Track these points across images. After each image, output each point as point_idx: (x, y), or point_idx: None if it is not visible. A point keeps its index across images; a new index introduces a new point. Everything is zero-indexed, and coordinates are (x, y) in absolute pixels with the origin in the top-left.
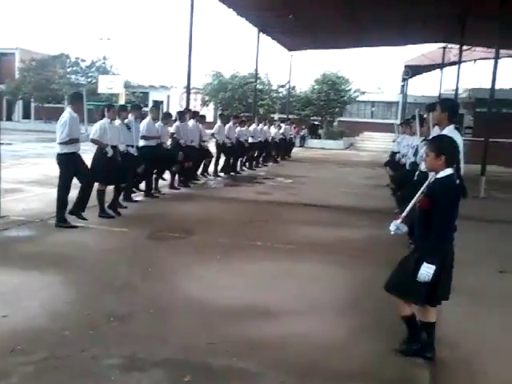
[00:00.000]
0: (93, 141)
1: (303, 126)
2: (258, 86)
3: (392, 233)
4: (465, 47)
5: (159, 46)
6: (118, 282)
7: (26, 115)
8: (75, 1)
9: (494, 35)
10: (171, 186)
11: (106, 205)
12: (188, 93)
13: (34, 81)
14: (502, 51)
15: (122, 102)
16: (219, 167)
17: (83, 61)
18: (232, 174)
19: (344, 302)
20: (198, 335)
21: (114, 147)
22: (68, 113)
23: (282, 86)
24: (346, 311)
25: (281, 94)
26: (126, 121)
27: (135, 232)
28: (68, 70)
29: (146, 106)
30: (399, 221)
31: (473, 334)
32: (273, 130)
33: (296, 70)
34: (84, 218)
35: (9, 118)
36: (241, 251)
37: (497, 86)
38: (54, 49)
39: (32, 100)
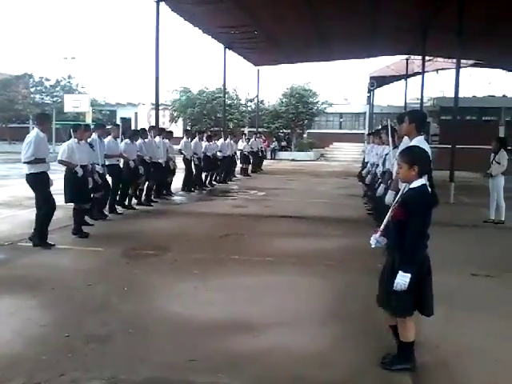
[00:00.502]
0: (61, 162)
1: (274, 139)
2: (226, 100)
3: (373, 246)
4: (427, 58)
5: (126, 63)
6: (94, 303)
7: None
8: (38, 20)
9: (454, 46)
10: (142, 201)
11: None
12: (156, 109)
13: None
14: (462, 61)
15: (89, 120)
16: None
17: (48, 80)
18: (203, 188)
19: (325, 312)
20: (179, 353)
21: (84, 166)
22: (35, 132)
23: (251, 100)
24: (327, 321)
25: (250, 108)
26: (89, 140)
27: (110, 251)
28: (32, 89)
29: (114, 123)
30: (378, 234)
31: (451, 337)
32: (241, 144)
33: (264, 83)
34: (51, 244)
35: None
36: (218, 266)
37: (459, 95)
38: (17, 69)
39: None
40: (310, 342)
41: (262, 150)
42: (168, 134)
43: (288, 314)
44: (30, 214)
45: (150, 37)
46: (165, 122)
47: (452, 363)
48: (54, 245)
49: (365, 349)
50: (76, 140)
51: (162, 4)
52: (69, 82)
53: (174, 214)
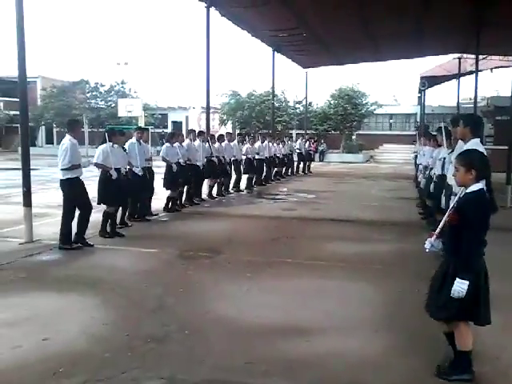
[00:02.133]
0: (96, 165)
1: (322, 141)
2: (274, 103)
3: (427, 250)
4: (481, 56)
5: (177, 68)
6: (152, 303)
7: (49, 140)
8: (92, 28)
9: (510, 43)
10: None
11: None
12: (207, 113)
13: (55, 107)
14: None
15: (141, 124)
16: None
17: (102, 85)
18: (241, 191)
19: (378, 318)
20: (234, 355)
21: (118, 169)
22: (68, 139)
23: (299, 103)
24: (380, 327)
25: (298, 111)
26: (127, 143)
27: (164, 252)
28: (88, 95)
29: (166, 127)
30: (433, 238)
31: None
32: (277, 146)
33: (312, 85)
34: (89, 244)
35: (33, 144)
36: (270, 269)
37: None
38: (74, 75)
39: (54, 125)
40: (363, 348)
41: (309, 152)
42: (219, 137)
43: (340, 319)
44: None
45: (201, 41)
46: (214, 126)
47: None
48: (80, 247)
49: (419, 356)
50: (111, 144)
51: (212, 9)
52: (122, 86)
53: (224, 216)
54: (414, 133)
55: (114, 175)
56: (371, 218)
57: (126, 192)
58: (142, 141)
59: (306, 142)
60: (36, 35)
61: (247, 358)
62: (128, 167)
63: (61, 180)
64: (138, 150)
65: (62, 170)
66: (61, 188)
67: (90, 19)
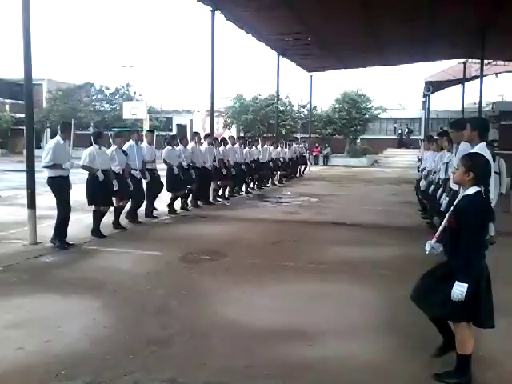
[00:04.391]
0: (83, 167)
1: (326, 145)
2: (279, 107)
3: (427, 253)
4: (486, 61)
5: (182, 71)
6: (154, 306)
7: None
8: (98, 31)
9: None
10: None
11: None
12: (212, 116)
13: (60, 110)
14: None
15: (146, 127)
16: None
17: (107, 88)
18: (236, 195)
19: (380, 322)
20: (236, 358)
21: (105, 171)
22: (56, 140)
23: (303, 106)
24: (383, 331)
25: (302, 114)
26: (126, 145)
27: (167, 255)
28: (93, 97)
29: (171, 130)
30: (433, 240)
31: None
32: (282, 150)
33: (316, 89)
34: (69, 244)
35: (38, 146)
36: (273, 272)
37: None
38: (79, 78)
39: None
40: (365, 353)
41: (303, 156)
42: (216, 141)
43: (342, 324)
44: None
45: (206, 45)
46: (219, 129)
47: None
48: (73, 244)
49: (421, 362)
50: (98, 146)
51: (217, 13)
52: (127, 89)
53: (227, 219)
54: (419, 137)
55: (101, 177)
56: (375, 222)
57: (120, 192)
58: (146, 143)
59: (300, 146)
60: (43, 38)
61: (248, 361)
62: (122, 168)
63: (48, 178)
64: (136, 151)
65: (44, 167)
66: (48, 186)
67: (96, 22)
